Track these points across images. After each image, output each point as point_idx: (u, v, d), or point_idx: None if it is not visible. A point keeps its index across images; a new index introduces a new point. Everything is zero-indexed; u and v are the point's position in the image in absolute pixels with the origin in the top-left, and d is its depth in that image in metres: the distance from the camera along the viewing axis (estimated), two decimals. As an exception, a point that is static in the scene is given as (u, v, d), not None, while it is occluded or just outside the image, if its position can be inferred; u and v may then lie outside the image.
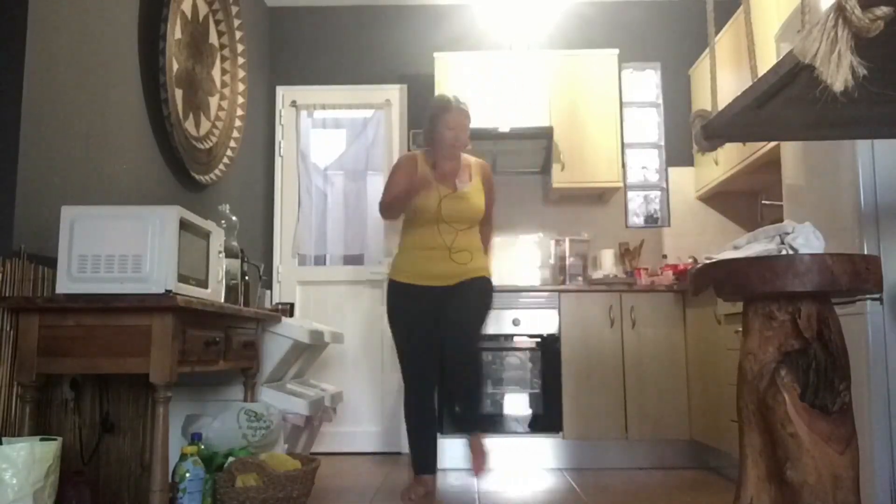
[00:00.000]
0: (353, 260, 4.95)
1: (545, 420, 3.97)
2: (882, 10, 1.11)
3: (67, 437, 2.38)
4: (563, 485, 3.46)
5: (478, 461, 3.06)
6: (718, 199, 4.62)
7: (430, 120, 3.14)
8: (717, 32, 3.77)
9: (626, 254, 4.50)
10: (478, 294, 3.10)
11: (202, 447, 2.47)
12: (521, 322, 4.05)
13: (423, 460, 3.11)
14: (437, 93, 4.40)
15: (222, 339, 2.59)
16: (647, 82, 4.74)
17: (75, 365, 2.17)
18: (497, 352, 4.04)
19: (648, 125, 4.71)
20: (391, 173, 3.23)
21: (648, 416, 3.95)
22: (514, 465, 3.92)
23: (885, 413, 2.24)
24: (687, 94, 4.73)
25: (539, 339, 4.04)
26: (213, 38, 3.71)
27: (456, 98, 3.16)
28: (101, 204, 2.66)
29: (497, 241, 3.42)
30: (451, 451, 3.93)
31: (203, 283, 2.45)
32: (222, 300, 2.75)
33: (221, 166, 3.75)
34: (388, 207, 3.13)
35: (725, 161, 4.03)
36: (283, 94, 4.86)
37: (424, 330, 3.08)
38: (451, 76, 4.40)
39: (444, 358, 3.02)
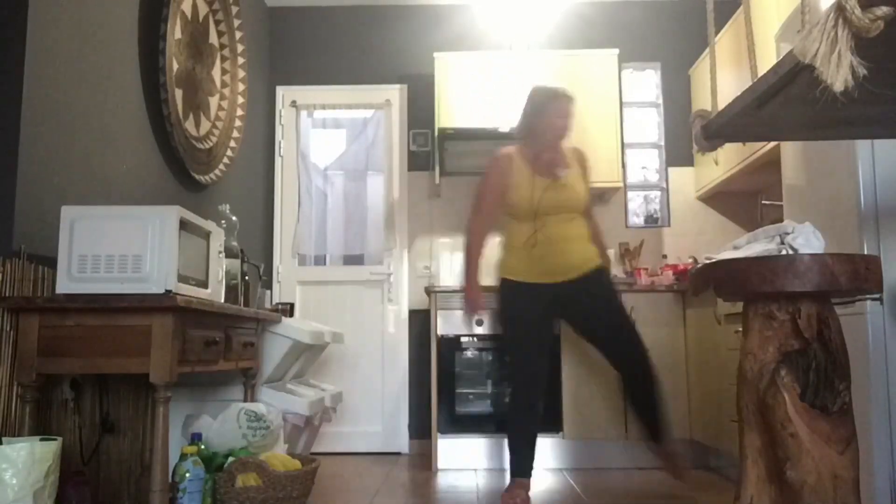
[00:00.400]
0: (353, 260, 4.95)
1: (545, 420, 3.97)
2: (882, 10, 1.11)
3: (67, 437, 2.38)
4: (563, 485, 3.46)
5: (676, 466, 2.96)
6: (718, 199, 4.62)
7: (534, 110, 3.05)
8: (717, 32, 3.77)
9: (626, 254, 4.50)
10: (608, 292, 3.01)
11: (202, 447, 2.47)
12: (521, 322, 4.04)
13: (524, 463, 3.01)
14: (436, 92, 4.41)
15: (222, 339, 2.59)
16: (647, 82, 4.74)
17: (75, 365, 2.17)
18: (497, 351, 4.04)
19: (648, 125, 4.72)
20: (486, 176, 3.08)
21: (648, 416, 3.94)
22: (514, 465, 3.92)
23: (885, 413, 2.24)
24: (687, 94, 4.73)
25: (539, 339, 4.03)
26: (213, 38, 3.71)
27: (563, 88, 3.11)
28: (101, 204, 2.66)
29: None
30: (450, 451, 3.93)
31: (203, 283, 2.45)
32: (222, 300, 2.75)
33: (221, 166, 3.75)
34: (468, 243, 3.07)
35: (725, 161, 4.03)
36: (283, 94, 4.86)
37: (539, 330, 2.99)
38: (451, 76, 4.40)
39: (623, 369, 3.02)
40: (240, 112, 4.00)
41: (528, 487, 3.00)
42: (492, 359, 4.05)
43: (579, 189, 3.02)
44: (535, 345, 2.99)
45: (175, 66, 3.22)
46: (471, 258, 3.06)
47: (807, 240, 1.69)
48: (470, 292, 3.06)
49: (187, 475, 2.32)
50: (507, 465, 3.91)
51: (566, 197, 2.97)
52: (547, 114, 3.01)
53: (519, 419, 3.03)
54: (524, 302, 2.99)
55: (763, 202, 3.48)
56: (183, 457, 2.35)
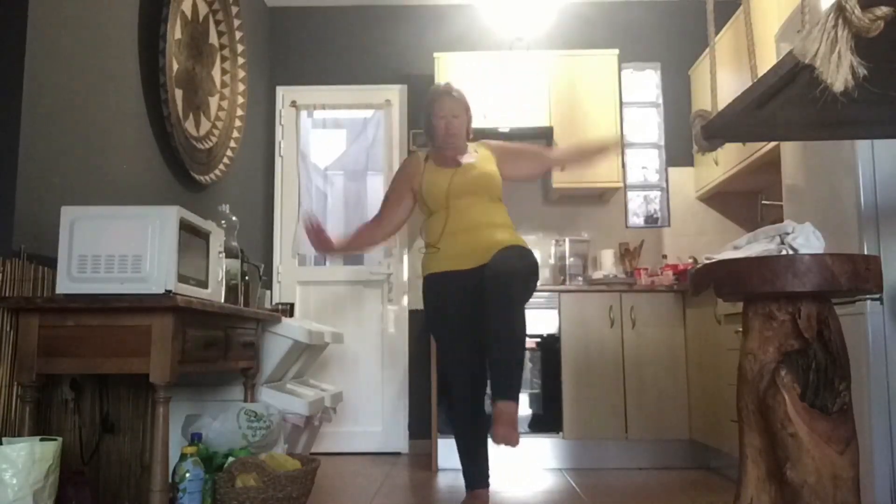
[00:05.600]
0: (353, 260, 4.95)
1: (545, 420, 3.97)
2: (882, 10, 1.11)
3: (67, 437, 2.38)
4: (563, 485, 3.46)
5: (500, 428, 2.46)
6: (718, 199, 4.62)
7: (424, 112, 3.01)
8: (717, 32, 3.77)
9: (626, 254, 4.50)
10: (517, 253, 2.71)
11: (202, 447, 2.47)
12: (521, 322, 4.04)
13: (477, 472, 2.80)
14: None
15: (222, 339, 2.59)
16: (647, 82, 4.74)
17: (75, 365, 2.17)
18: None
19: (648, 125, 4.71)
20: (393, 178, 3.11)
21: (648, 416, 3.95)
22: (514, 465, 3.92)
23: (885, 413, 2.24)
24: (687, 94, 4.73)
25: (539, 339, 4.03)
26: (213, 38, 3.71)
27: (447, 84, 3.01)
28: (101, 204, 2.66)
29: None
30: (450, 451, 3.92)
31: (203, 284, 2.45)
32: (222, 300, 2.75)
33: (221, 166, 3.75)
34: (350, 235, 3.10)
35: (725, 161, 4.03)
36: (283, 94, 4.86)
37: (464, 322, 2.76)
38: (451, 76, 4.38)
39: (487, 312, 2.59)
40: (240, 112, 3.99)
41: (483, 498, 2.78)
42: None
43: (488, 169, 2.91)
44: (464, 339, 2.77)
45: (175, 66, 3.22)
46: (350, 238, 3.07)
47: (807, 240, 1.69)
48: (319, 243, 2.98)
49: (187, 475, 2.32)
50: (506, 464, 3.91)
51: (475, 176, 2.87)
52: (431, 115, 2.96)
53: (459, 425, 2.83)
54: (446, 293, 2.81)
55: (763, 202, 3.48)
56: (183, 457, 2.34)
